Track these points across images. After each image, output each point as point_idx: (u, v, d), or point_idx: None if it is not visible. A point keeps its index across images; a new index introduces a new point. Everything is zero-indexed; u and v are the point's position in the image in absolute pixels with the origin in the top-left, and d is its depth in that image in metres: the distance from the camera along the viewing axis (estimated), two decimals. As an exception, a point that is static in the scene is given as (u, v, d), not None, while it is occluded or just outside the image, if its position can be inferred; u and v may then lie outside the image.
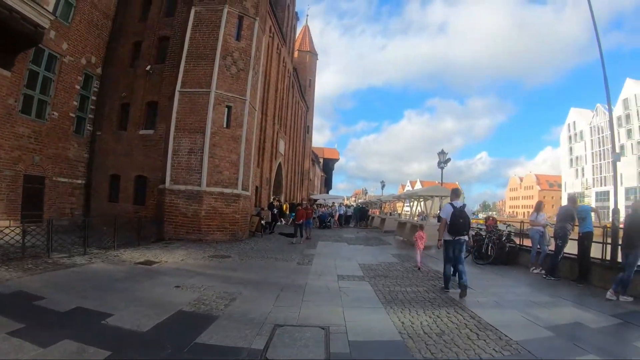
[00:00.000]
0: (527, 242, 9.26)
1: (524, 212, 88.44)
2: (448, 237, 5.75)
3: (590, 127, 67.84)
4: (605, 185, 62.02)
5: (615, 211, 7.13)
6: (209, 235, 11.24)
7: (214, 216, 11.51)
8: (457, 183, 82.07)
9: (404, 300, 5.21)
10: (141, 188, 12.88)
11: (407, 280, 6.75)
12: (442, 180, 16.41)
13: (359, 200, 63.69)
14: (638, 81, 56.02)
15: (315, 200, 29.95)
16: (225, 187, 11.80)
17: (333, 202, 29.99)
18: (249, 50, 12.70)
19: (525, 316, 4.56)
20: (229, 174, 11.94)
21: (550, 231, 8.21)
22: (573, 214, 7.27)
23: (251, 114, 12.98)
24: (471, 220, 6.34)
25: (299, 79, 30.39)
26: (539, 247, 7.94)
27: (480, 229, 11.58)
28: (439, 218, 8.10)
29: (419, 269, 7.84)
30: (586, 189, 66.76)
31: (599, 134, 65.21)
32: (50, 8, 9.16)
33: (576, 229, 7.19)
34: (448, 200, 6.29)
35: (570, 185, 71.27)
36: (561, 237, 7.12)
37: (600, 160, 64.63)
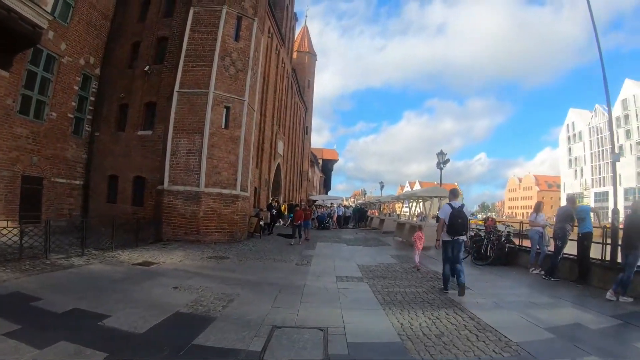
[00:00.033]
0: (527, 243, 9.26)
1: (522, 213, 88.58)
2: (446, 238, 5.76)
3: (589, 128, 68.03)
4: (604, 186, 62.18)
5: (615, 211, 7.13)
6: (207, 236, 11.21)
7: (212, 217, 11.48)
8: (456, 184, 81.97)
9: (402, 302, 5.19)
10: (139, 189, 12.84)
11: (406, 281, 6.73)
12: (441, 181, 16.40)
13: (358, 201, 63.72)
14: (637, 82, 56.22)
15: (314, 201, 29.90)
16: (223, 188, 11.77)
17: (332, 203, 29.96)
18: (248, 51, 12.69)
19: (525, 317, 4.54)
20: (227, 175, 11.91)
21: (549, 232, 8.21)
22: (572, 215, 7.26)
23: (250, 115, 12.97)
24: (470, 221, 6.35)
25: (297, 80, 30.38)
26: (538, 247, 7.93)
27: (480, 230, 11.57)
28: (438, 219, 8.11)
29: (418, 269, 7.83)
30: (585, 189, 66.91)
31: (597, 135, 65.37)
32: (49, 8, 9.14)
33: (576, 229, 7.18)
34: (447, 201, 6.29)
35: (569, 185, 71.40)
36: (561, 238, 7.10)
37: (599, 160, 64.80)
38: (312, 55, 37.73)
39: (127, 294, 4.96)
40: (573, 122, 73.69)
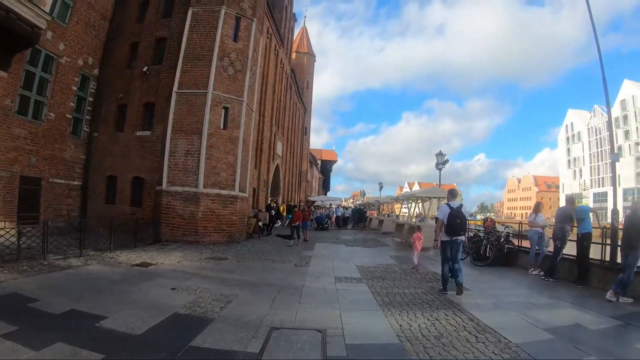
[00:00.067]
0: (526, 244, 9.24)
1: (522, 214, 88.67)
2: (445, 238, 5.76)
3: (588, 129, 68.19)
4: (603, 187, 62.32)
5: (615, 212, 7.13)
6: (205, 237, 11.18)
7: (210, 218, 11.45)
8: (455, 184, 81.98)
9: (401, 303, 5.17)
10: (138, 189, 12.80)
11: (405, 282, 6.71)
12: (440, 182, 16.39)
13: (357, 202, 63.73)
14: (636, 82, 56.36)
15: (313, 201, 29.87)
16: (222, 188, 11.75)
17: (330, 204, 29.97)
18: (246, 52, 12.68)
19: (525, 318, 4.52)
20: (226, 176, 11.89)
21: (549, 232, 8.20)
22: (571, 215, 7.25)
23: (248, 115, 12.95)
24: (468, 222, 6.35)
25: (296, 81, 30.39)
26: (537, 248, 7.92)
27: (479, 231, 11.56)
28: (436, 219, 8.09)
29: (417, 270, 7.81)
30: (584, 190, 67.00)
31: (596, 135, 65.51)
32: (47, 9, 9.14)
33: (575, 230, 7.17)
34: (446, 201, 6.28)
35: (568, 186, 71.51)
36: (560, 238, 7.09)
37: (598, 161, 64.91)
38: (311, 56, 37.76)
39: (125, 295, 4.94)
40: (572, 123, 73.84)
